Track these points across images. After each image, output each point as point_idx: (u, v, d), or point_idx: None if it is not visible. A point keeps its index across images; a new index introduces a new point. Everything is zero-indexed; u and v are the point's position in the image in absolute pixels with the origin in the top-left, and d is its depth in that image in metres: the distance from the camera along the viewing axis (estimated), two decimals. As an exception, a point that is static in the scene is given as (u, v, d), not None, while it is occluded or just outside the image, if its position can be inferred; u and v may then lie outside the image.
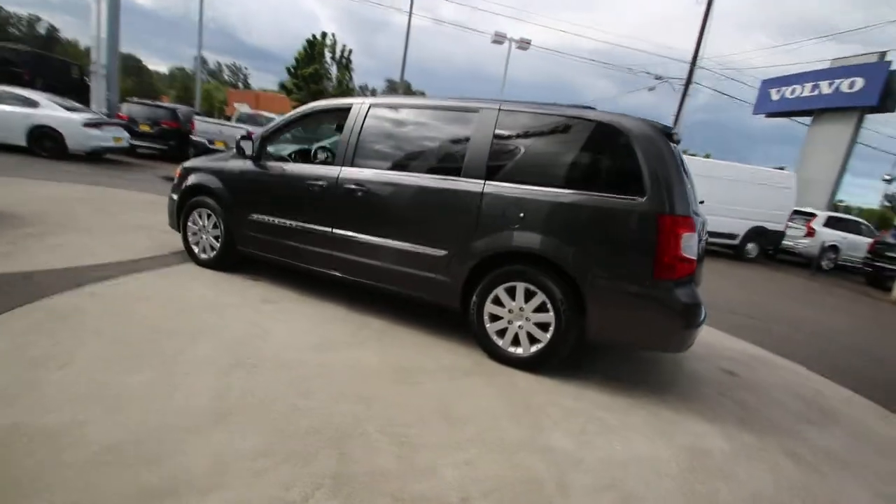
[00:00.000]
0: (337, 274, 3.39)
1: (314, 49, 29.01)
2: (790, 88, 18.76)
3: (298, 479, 1.64)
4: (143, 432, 1.76)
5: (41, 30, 53.43)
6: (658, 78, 21.27)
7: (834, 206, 17.76)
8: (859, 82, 16.02)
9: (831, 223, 12.23)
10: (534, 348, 2.81)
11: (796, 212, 11.86)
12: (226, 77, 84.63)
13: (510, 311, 2.85)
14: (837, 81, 16.68)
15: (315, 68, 28.60)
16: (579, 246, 2.64)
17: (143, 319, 2.76)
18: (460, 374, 2.69)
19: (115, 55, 11.74)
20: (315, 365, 2.52)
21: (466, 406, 2.32)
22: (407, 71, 21.37)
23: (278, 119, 3.86)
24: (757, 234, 11.29)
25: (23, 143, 9.04)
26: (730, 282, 8.17)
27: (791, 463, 2.30)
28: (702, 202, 3.80)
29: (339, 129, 3.64)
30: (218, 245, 3.90)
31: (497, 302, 2.89)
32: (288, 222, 3.53)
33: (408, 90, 33.79)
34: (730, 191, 10.62)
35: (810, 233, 11.78)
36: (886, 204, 54.15)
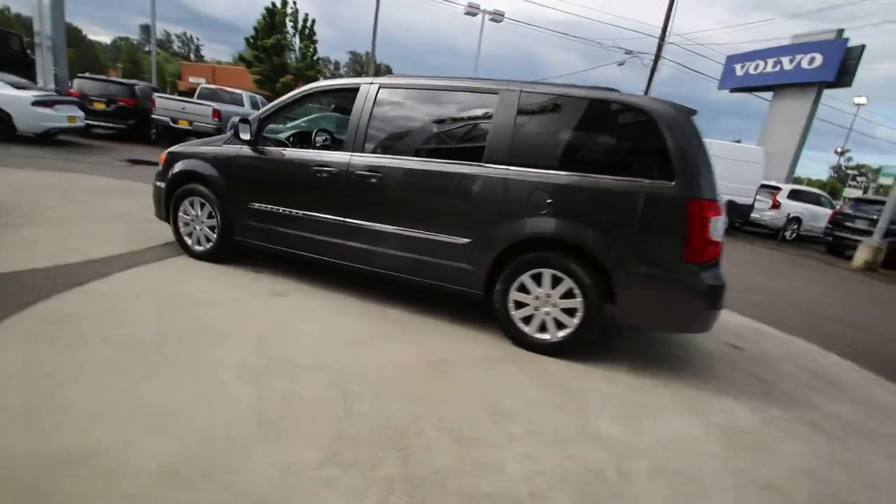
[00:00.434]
0: (351, 264, 3.27)
1: (274, 18, 27.33)
2: (753, 63, 19.35)
3: (371, 484, 1.59)
4: (192, 448, 1.64)
5: (-41, -6, 47.78)
6: (628, 52, 21.44)
7: (795, 179, 18.70)
8: (818, 58, 16.69)
9: (794, 195, 12.89)
10: (561, 333, 2.82)
11: (763, 185, 12.39)
12: (176, 48, 79.16)
13: (536, 297, 2.83)
14: (798, 57, 17.31)
15: (277, 38, 27.04)
16: (609, 232, 2.63)
17: (149, 321, 2.57)
18: (492, 363, 2.68)
19: (62, 25, 10.55)
20: (352, 362, 2.44)
21: (509, 397, 2.31)
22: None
23: (277, 100, 3.60)
24: (728, 208, 11.71)
25: (-37, 124, 8.15)
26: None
27: (817, 434, 2.43)
28: None
29: (340, 110, 3.45)
30: (214, 236, 3.69)
31: (522, 289, 2.87)
32: (294, 211, 3.35)
33: (378, 70, 32.49)
34: None
35: (776, 205, 12.38)
36: (833, 175, 57.80)
